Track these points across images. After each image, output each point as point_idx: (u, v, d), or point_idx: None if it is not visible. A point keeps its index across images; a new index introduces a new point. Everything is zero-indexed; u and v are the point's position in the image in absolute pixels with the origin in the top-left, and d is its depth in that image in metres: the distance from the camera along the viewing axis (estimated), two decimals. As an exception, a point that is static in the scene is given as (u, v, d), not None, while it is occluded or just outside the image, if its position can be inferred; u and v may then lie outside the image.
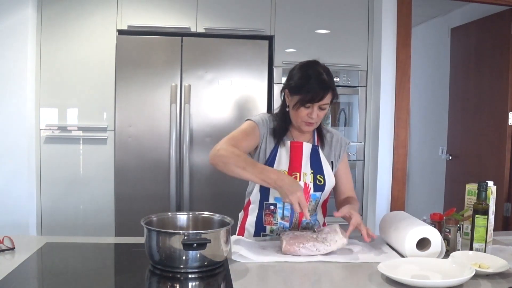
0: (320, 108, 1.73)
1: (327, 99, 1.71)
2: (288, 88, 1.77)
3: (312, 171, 1.79)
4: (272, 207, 1.79)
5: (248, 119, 1.84)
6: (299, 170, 1.78)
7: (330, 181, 1.82)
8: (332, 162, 1.85)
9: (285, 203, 1.76)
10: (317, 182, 1.79)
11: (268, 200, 1.80)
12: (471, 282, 1.31)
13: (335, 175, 1.87)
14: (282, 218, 1.79)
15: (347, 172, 1.93)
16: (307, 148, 1.81)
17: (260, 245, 1.62)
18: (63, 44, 3.01)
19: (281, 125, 1.82)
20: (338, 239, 1.55)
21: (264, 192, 1.79)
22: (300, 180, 1.77)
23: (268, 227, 1.81)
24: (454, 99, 4.14)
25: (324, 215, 1.91)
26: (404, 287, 1.27)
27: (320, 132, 1.88)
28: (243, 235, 1.85)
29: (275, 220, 1.79)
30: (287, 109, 1.81)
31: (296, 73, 1.76)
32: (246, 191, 1.90)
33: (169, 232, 1.39)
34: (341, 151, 1.89)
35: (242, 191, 1.92)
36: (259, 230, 1.82)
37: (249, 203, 1.87)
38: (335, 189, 1.91)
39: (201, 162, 3.06)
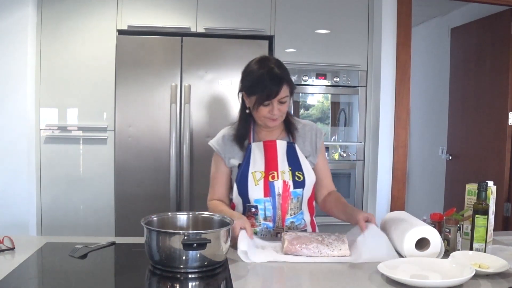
0: (280, 102, 1.72)
1: (284, 92, 1.70)
2: (244, 90, 1.77)
3: (290, 168, 1.78)
4: (253, 209, 1.78)
5: (209, 144, 1.88)
6: (275, 168, 1.77)
7: (310, 177, 1.81)
8: (307, 157, 1.83)
9: (266, 203, 1.76)
10: (296, 178, 1.78)
11: (249, 202, 1.79)
12: (471, 282, 1.31)
13: (315, 169, 1.86)
14: (265, 218, 1.77)
15: (326, 164, 1.92)
16: (281, 145, 1.81)
17: (260, 245, 1.62)
18: (63, 44, 3.01)
19: (240, 129, 1.82)
20: (343, 248, 1.54)
21: (244, 194, 1.79)
22: (278, 178, 1.76)
23: (253, 229, 1.77)
24: (454, 99, 4.14)
25: (312, 213, 1.88)
26: (404, 287, 1.27)
27: (290, 126, 1.85)
28: None
29: (257, 222, 1.78)
30: (247, 111, 1.80)
31: (249, 74, 1.76)
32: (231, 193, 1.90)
33: (169, 232, 1.39)
34: (317, 142, 1.86)
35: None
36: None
37: (233, 206, 1.86)
38: (316, 183, 1.88)
39: (201, 162, 3.06)
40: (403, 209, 3.23)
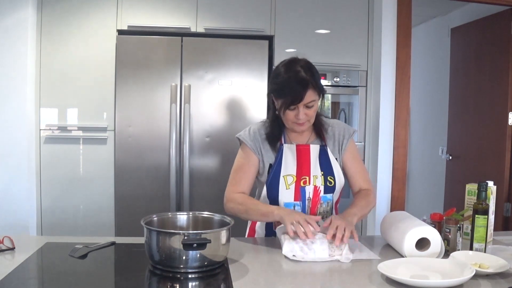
0: (307, 107, 1.67)
1: (310, 96, 1.65)
2: (271, 92, 1.74)
3: (322, 172, 1.75)
4: None
5: (237, 137, 1.82)
6: (308, 173, 1.75)
7: (340, 181, 1.78)
8: (337, 159, 1.80)
9: (296, 207, 1.74)
10: (328, 183, 1.76)
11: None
12: (471, 282, 1.31)
13: (344, 167, 1.83)
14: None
15: (355, 162, 1.85)
16: (314, 150, 1.77)
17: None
18: (63, 44, 3.01)
19: (273, 130, 1.78)
20: (344, 250, 1.49)
21: (273, 197, 1.76)
22: (309, 183, 1.74)
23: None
24: (454, 99, 4.14)
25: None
26: (404, 287, 1.27)
27: (321, 128, 1.81)
28: (253, 236, 1.85)
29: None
30: (277, 113, 1.75)
31: (276, 76, 1.72)
32: (256, 194, 1.87)
33: (169, 232, 1.39)
34: (343, 143, 1.82)
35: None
36: (270, 233, 1.80)
37: None
38: (348, 182, 1.86)
39: (201, 162, 3.06)
40: (403, 209, 3.23)
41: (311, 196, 1.75)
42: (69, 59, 3.02)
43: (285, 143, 1.79)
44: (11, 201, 2.87)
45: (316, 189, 1.75)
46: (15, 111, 2.88)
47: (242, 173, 1.79)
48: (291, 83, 1.65)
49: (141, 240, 1.45)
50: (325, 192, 1.76)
